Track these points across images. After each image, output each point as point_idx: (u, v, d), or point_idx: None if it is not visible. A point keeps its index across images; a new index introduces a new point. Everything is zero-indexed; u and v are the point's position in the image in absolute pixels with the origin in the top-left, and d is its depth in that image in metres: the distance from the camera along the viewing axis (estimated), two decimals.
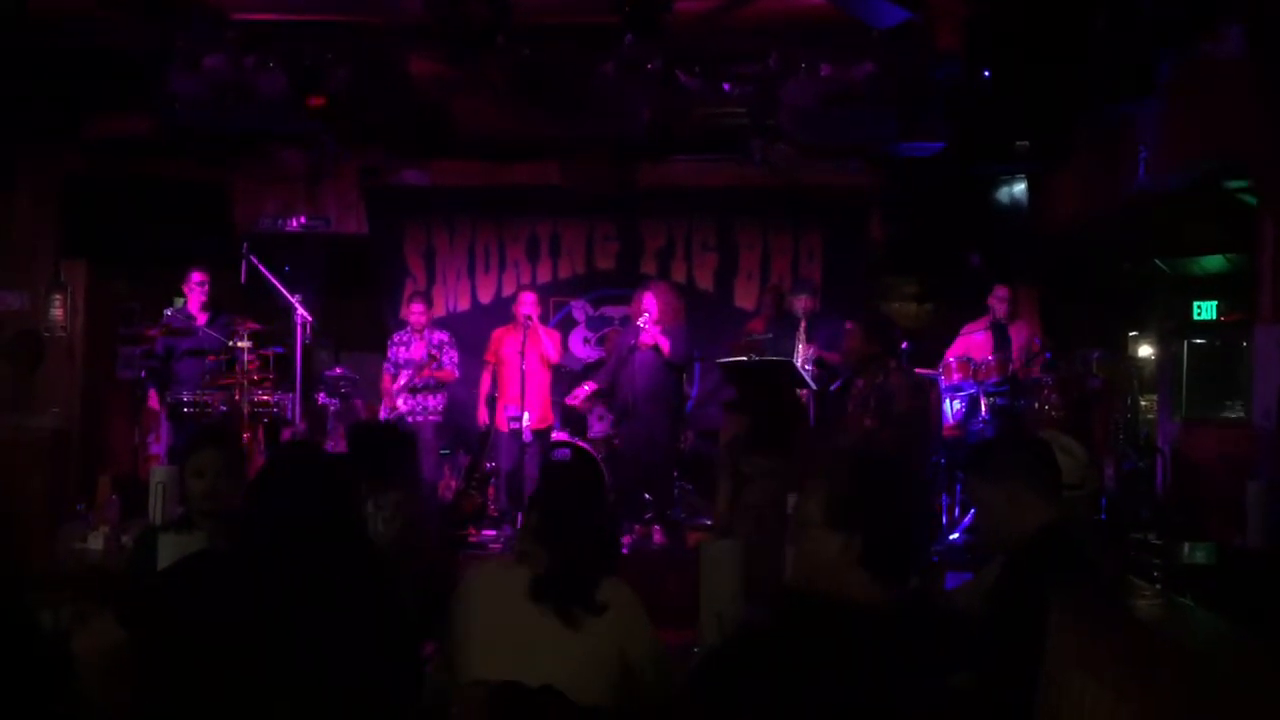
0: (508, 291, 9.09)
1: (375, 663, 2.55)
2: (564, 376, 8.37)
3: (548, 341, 7.62)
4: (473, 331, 8.48)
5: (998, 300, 7.68)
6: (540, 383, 7.66)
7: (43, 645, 2.35)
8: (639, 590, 2.81)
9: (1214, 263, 7.46)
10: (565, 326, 9.12)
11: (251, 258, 7.22)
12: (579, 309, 9.23)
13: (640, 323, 7.32)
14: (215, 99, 6.30)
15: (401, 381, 7.66)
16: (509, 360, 7.54)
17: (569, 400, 8.01)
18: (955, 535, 6.83)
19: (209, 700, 2.42)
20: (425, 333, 7.93)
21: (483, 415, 7.89)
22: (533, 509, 2.86)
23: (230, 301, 7.58)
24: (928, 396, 6.72)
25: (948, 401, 7.53)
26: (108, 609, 2.66)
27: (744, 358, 6.92)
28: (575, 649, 2.65)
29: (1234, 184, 6.32)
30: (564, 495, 2.86)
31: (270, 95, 6.34)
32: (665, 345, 7.27)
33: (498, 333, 7.90)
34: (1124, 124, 6.69)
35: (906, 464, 3.30)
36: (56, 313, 7.99)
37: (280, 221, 8.63)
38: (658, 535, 7.20)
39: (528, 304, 7.59)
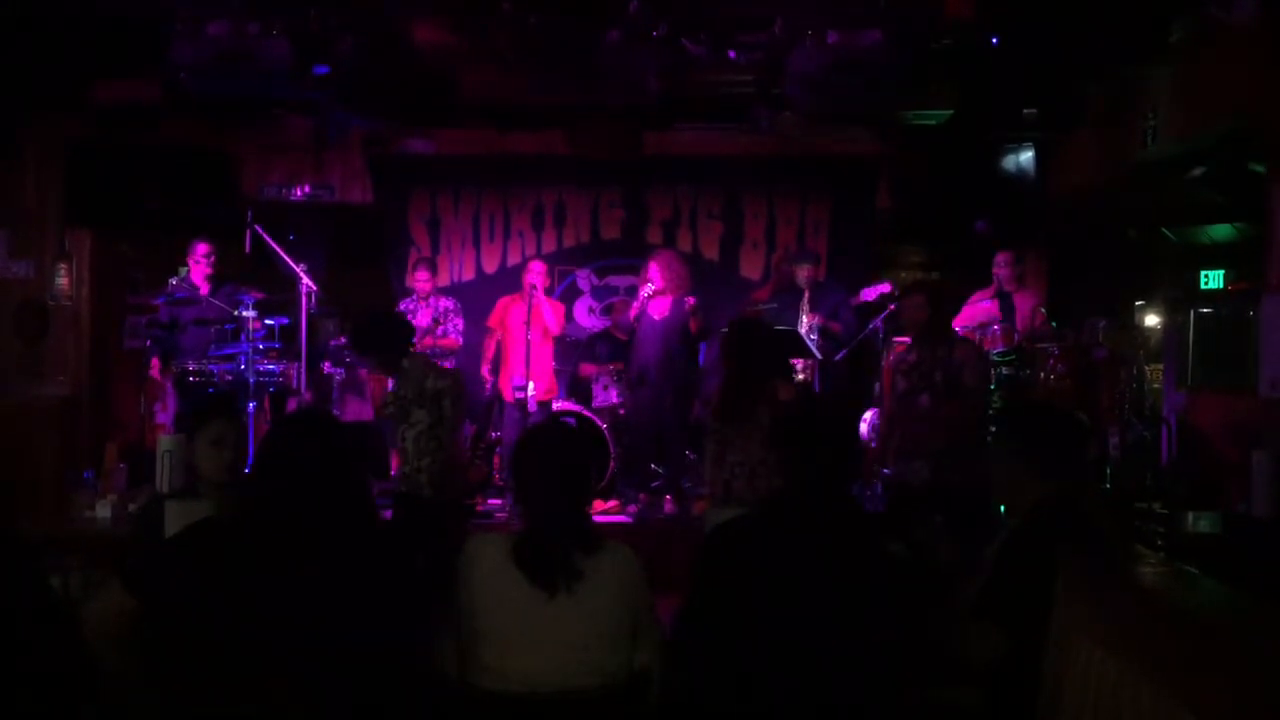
0: (513, 261, 9.08)
1: (381, 627, 2.56)
2: (568, 347, 8.37)
3: (549, 313, 7.58)
4: (477, 300, 8.48)
5: (1000, 266, 7.64)
6: (544, 354, 7.65)
7: (55, 610, 2.36)
8: (647, 558, 2.82)
9: (1221, 231, 7.40)
10: (570, 296, 9.11)
11: (256, 227, 7.21)
12: (584, 278, 9.22)
13: (644, 292, 7.31)
14: (219, 66, 6.25)
15: None
16: (514, 330, 7.54)
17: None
18: None
19: (216, 665, 2.43)
20: (431, 300, 7.94)
21: (485, 381, 7.89)
22: (510, 474, 2.89)
23: (235, 270, 7.58)
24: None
25: None
26: (114, 574, 2.67)
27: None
28: (583, 616, 2.66)
29: (1244, 151, 6.27)
30: (530, 459, 2.85)
31: (274, 62, 6.29)
32: (693, 325, 7.27)
33: (503, 301, 7.88)
34: (1134, 90, 6.63)
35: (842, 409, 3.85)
36: (62, 281, 7.98)
37: (285, 190, 8.61)
38: (669, 505, 7.22)
39: (534, 273, 7.56)
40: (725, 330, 6.96)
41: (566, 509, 2.75)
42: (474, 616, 2.67)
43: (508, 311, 7.76)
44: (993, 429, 3.12)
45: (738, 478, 4.87)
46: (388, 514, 5.83)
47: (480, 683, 2.64)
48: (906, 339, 7.17)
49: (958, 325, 7.51)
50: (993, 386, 7.13)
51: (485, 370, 7.94)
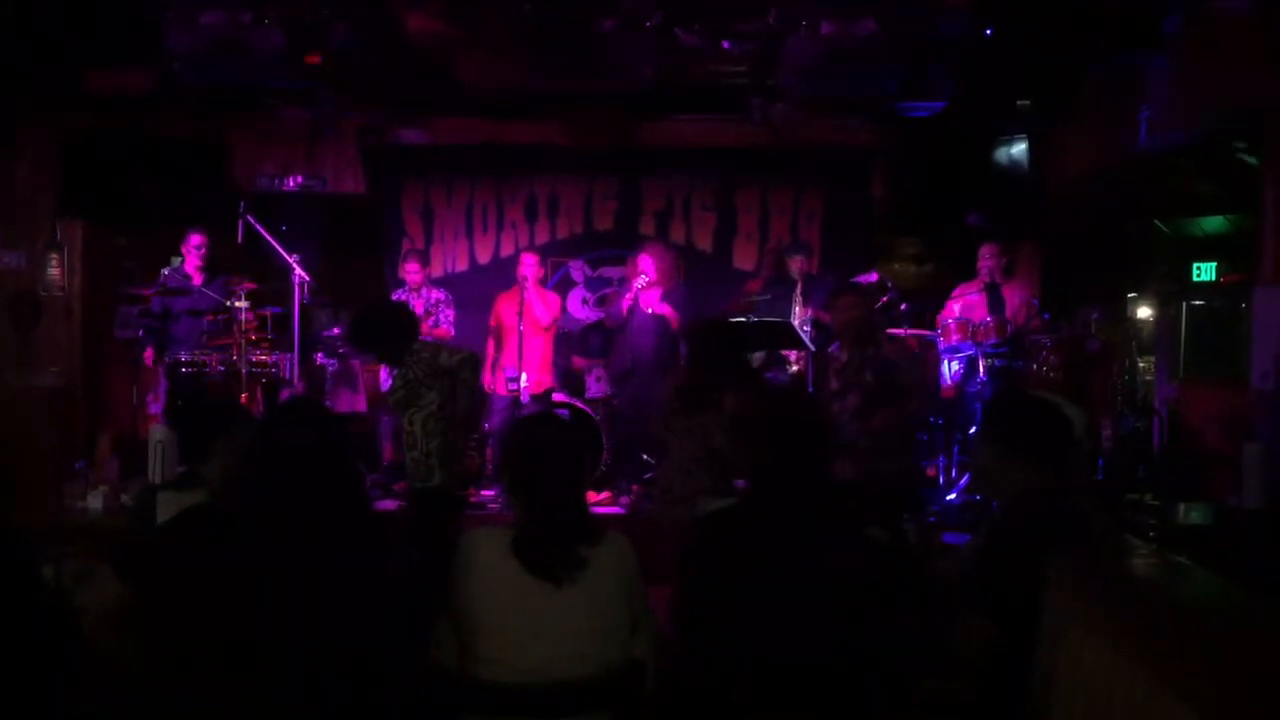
0: (506, 252, 9.07)
1: (378, 617, 2.55)
2: (564, 339, 8.35)
3: (539, 304, 7.57)
4: (471, 292, 8.47)
5: (985, 258, 7.62)
6: (538, 345, 7.64)
7: (48, 599, 2.36)
8: (640, 549, 2.82)
9: (1214, 223, 7.43)
10: (563, 287, 9.09)
11: (249, 217, 7.19)
12: (577, 269, 9.20)
13: (637, 284, 7.30)
14: (212, 55, 6.23)
15: None
16: (508, 323, 7.53)
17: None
18: (952, 495, 6.86)
19: (209, 650, 2.43)
20: (423, 291, 7.93)
21: (487, 380, 7.86)
22: (503, 465, 2.87)
23: (228, 261, 7.55)
24: (926, 365, 6.57)
25: (946, 363, 7.53)
26: (106, 564, 2.67)
27: (741, 318, 6.91)
28: (582, 607, 2.65)
29: (1237, 143, 6.28)
30: (529, 450, 2.84)
31: (267, 52, 6.27)
32: (669, 314, 7.26)
33: (500, 297, 7.87)
34: (1128, 81, 6.63)
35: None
36: (53, 272, 7.94)
37: (278, 180, 8.58)
38: None
39: (526, 265, 7.56)
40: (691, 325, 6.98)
41: (568, 499, 2.74)
42: (473, 608, 2.66)
43: (502, 306, 7.75)
44: (984, 419, 3.11)
45: (677, 474, 4.93)
46: (381, 505, 5.81)
47: (479, 674, 2.64)
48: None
49: (944, 318, 7.52)
50: (984, 379, 7.16)
51: (488, 371, 7.85)
